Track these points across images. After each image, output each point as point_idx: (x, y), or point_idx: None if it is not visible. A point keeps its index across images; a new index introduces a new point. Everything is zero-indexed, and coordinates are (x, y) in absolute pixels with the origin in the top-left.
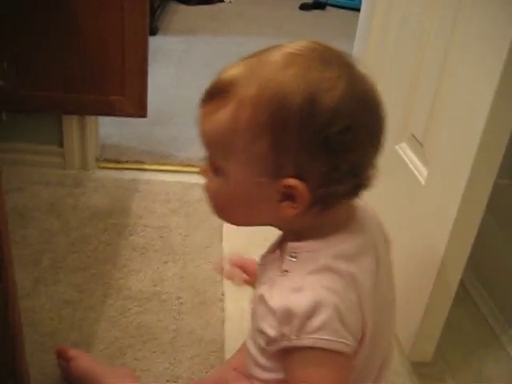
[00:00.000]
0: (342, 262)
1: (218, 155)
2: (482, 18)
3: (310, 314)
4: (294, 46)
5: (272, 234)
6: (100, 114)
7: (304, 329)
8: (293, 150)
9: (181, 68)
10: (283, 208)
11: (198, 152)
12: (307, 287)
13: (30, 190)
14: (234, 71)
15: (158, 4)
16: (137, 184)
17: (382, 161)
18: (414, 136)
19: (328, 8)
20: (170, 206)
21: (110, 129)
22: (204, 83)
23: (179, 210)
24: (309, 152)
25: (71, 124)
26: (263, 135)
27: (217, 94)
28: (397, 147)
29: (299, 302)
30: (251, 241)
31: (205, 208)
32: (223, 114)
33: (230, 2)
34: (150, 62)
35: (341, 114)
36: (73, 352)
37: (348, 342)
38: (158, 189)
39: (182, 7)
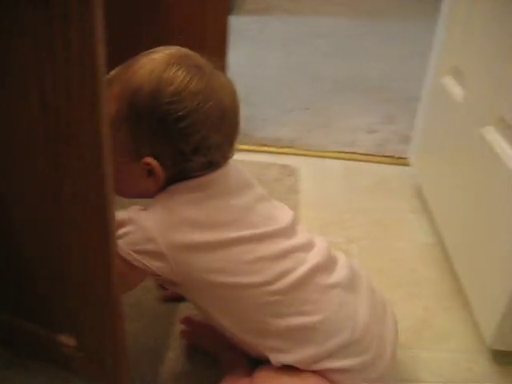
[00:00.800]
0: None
1: None
2: None
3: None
4: (156, 51)
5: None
6: None
7: None
8: (145, 136)
9: (255, 47)
10: (149, 182)
11: (274, 132)
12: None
13: None
14: (113, 72)
15: None
16: None
17: (464, 146)
18: (503, 119)
19: None
20: None
21: None
22: (279, 63)
23: None
24: (157, 137)
25: None
26: (124, 124)
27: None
28: (482, 131)
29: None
30: (329, 221)
31: (281, 188)
32: None
33: None
34: None
35: (176, 105)
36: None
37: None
38: None
39: None
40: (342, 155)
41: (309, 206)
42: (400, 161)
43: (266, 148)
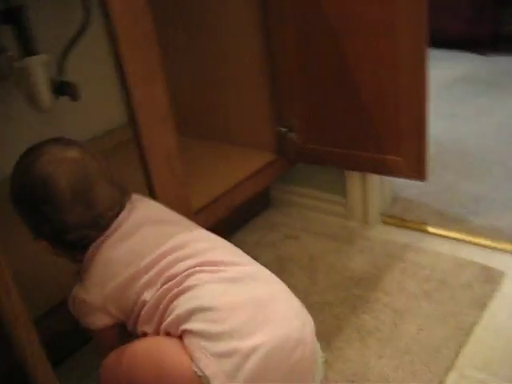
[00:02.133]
0: None
1: None
2: None
3: None
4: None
5: None
6: (377, 173)
7: None
8: (26, 217)
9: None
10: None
11: (496, 219)
12: None
13: (303, 240)
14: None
15: None
16: (406, 251)
17: None
18: None
19: None
20: (426, 286)
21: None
22: None
23: (434, 293)
24: (31, 218)
25: (354, 177)
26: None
27: None
28: None
29: None
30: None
31: (464, 297)
32: None
33: None
34: None
35: (33, 191)
36: None
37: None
38: (425, 261)
39: None
40: None
41: (491, 337)
42: None
43: (479, 239)
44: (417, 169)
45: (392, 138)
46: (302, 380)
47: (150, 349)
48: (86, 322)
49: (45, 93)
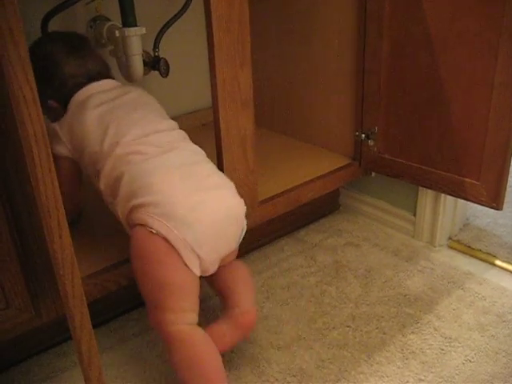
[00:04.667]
0: None
1: None
2: None
3: None
4: None
5: None
6: (451, 195)
7: None
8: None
9: None
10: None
11: None
12: None
13: (364, 250)
14: None
15: None
16: (468, 280)
17: None
18: None
19: None
20: (483, 318)
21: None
22: None
23: (489, 327)
24: (39, 83)
25: (426, 195)
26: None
27: None
28: None
29: None
30: None
31: None
32: None
33: None
34: None
35: (39, 57)
36: None
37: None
38: (486, 294)
39: None
40: None
41: None
42: None
43: None
44: (494, 196)
45: (474, 161)
46: (231, 242)
47: None
48: (52, 146)
49: (137, 64)
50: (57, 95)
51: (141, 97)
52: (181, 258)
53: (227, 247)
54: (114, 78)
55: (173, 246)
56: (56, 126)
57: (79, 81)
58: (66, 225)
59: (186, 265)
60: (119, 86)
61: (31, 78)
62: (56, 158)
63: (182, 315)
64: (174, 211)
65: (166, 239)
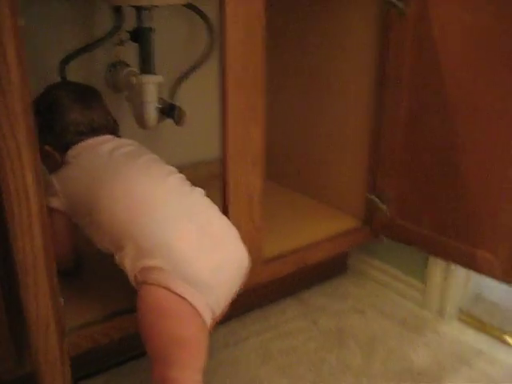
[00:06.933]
0: None
1: None
2: None
3: None
4: None
5: None
6: (463, 266)
7: None
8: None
9: None
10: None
11: None
12: None
13: (369, 317)
14: None
15: None
16: (478, 358)
17: None
18: None
19: None
20: None
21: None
22: None
23: None
24: (40, 128)
25: (437, 264)
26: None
27: None
28: None
29: None
30: None
31: None
32: None
33: None
34: None
35: (43, 105)
36: None
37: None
38: (496, 375)
39: None
40: None
41: None
42: None
43: None
44: (509, 270)
45: (488, 233)
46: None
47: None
48: (47, 198)
49: (152, 111)
50: (55, 141)
51: (140, 148)
52: (200, 317)
53: (231, 297)
54: (119, 136)
55: (195, 308)
56: (53, 178)
57: (81, 129)
58: (46, 283)
59: (203, 322)
60: (116, 139)
61: (17, 132)
62: (50, 210)
63: (190, 373)
64: (197, 276)
65: (189, 302)
